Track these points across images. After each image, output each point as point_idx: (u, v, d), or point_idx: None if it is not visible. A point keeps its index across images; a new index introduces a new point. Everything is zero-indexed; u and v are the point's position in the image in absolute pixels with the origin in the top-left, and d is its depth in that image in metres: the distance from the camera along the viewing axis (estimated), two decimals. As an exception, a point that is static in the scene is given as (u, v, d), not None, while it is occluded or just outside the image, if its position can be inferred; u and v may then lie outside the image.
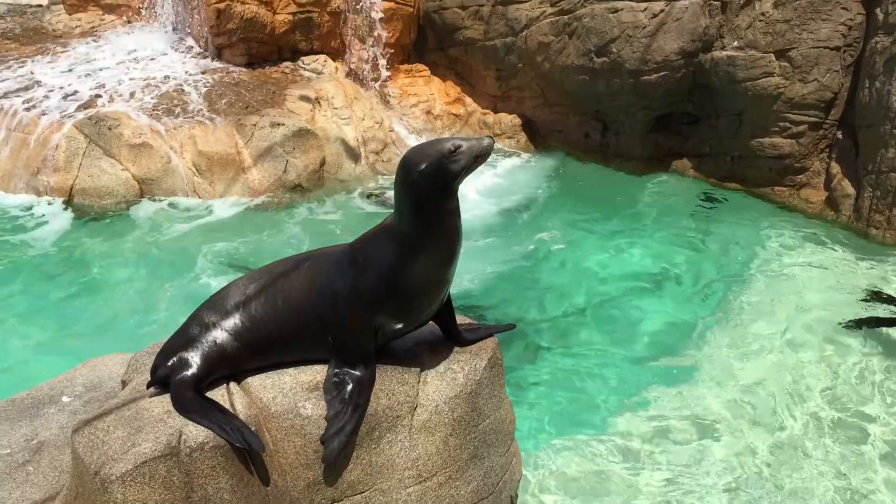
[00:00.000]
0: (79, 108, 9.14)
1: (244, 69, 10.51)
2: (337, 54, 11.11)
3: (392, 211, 3.02)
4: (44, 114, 9.03)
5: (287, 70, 10.72)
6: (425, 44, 11.66)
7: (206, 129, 9.10)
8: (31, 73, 9.99)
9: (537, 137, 11.08)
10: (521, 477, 3.59)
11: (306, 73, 10.71)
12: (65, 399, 3.56)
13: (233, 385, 3.01)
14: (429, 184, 2.88)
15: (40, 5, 12.96)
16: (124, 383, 3.32)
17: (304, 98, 9.87)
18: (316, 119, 9.71)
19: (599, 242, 8.44)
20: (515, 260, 8.02)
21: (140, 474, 2.68)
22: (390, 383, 3.06)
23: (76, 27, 11.41)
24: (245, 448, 2.78)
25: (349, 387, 2.94)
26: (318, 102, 9.92)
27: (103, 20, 11.49)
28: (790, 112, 9.17)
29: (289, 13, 10.55)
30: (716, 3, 9.38)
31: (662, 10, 9.41)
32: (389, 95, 11.02)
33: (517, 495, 3.56)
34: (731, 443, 5.38)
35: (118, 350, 4.07)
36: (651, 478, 5.02)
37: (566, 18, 10.05)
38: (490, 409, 3.28)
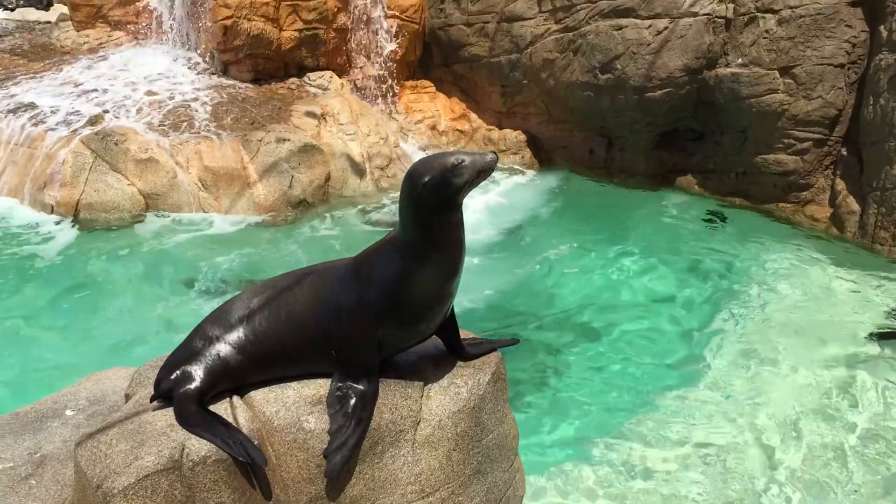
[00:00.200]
0: (86, 124, 9.20)
1: (250, 85, 10.57)
2: (343, 70, 11.17)
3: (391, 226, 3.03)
4: (51, 129, 9.09)
5: (293, 86, 10.78)
6: (431, 60, 11.73)
7: (211, 145, 9.14)
8: (39, 88, 10.05)
9: (542, 153, 11.10)
10: (525, 493, 3.57)
11: (312, 89, 10.76)
12: (68, 413, 3.55)
13: (236, 398, 3.01)
14: (432, 196, 2.89)
15: (49, 22, 13.09)
16: (128, 397, 3.32)
17: (310, 114, 9.92)
18: (321, 135, 9.75)
19: (603, 259, 8.43)
20: (519, 275, 8.02)
21: (142, 488, 2.67)
22: (393, 397, 3.05)
23: (84, 43, 11.50)
24: (248, 462, 2.77)
25: (352, 401, 2.93)
26: (324, 118, 9.96)
27: (111, 37, 11.57)
28: (794, 129, 9.18)
29: (295, 30, 10.63)
30: (720, 20, 9.42)
31: (666, 28, 9.45)
32: (395, 111, 11.07)
33: (521, 511, 3.54)
34: (735, 460, 5.34)
35: (122, 364, 4.07)
36: (656, 495, 4.98)
37: (571, 35, 10.10)
38: (493, 424, 3.27)
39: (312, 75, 10.93)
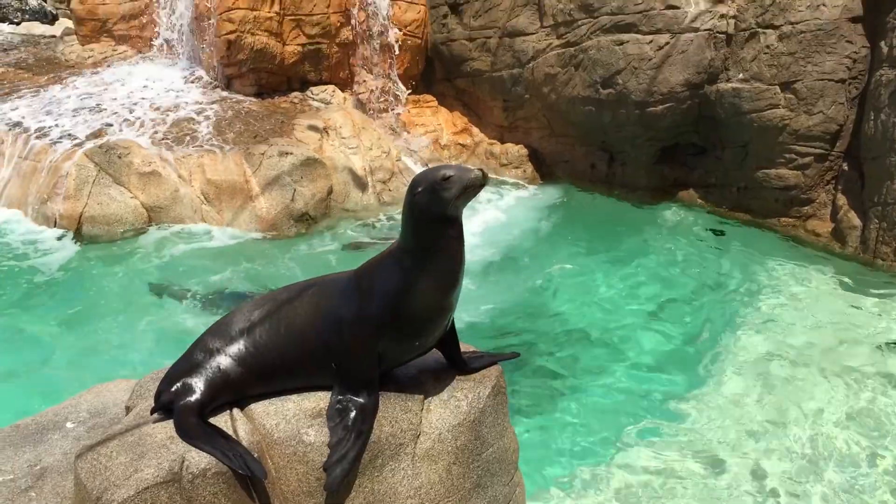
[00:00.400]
0: (89, 137, 9.24)
1: (253, 99, 10.62)
2: (345, 85, 11.23)
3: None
4: (54, 142, 9.13)
5: (296, 100, 10.83)
6: (433, 75, 11.78)
7: (214, 158, 9.18)
8: (43, 102, 10.11)
9: (543, 168, 11.13)
10: (525, 507, 3.56)
11: (315, 103, 10.81)
12: (69, 425, 3.55)
13: (236, 411, 3.01)
14: (425, 208, 2.93)
15: (54, 36, 13.17)
16: (128, 409, 3.32)
17: (313, 128, 9.96)
18: (324, 148, 9.79)
19: (605, 273, 8.43)
20: (520, 289, 8.02)
21: (142, 500, 2.67)
22: (393, 410, 3.05)
23: (89, 57, 11.57)
24: (247, 475, 2.77)
25: (352, 414, 2.93)
26: (327, 132, 10.01)
27: (115, 51, 11.64)
28: (796, 144, 9.20)
29: (298, 44, 10.69)
30: (721, 35, 9.47)
31: (668, 43, 9.50)
32: (397, 125, 11.12)
33: (521, 526, 3.53)
34: (738, 475, 5.32)
35: (123, 376, 4.08)
36: (657, 510, 4.97)
37: (572, 50, 10.15)
38: (494, 437, 3.27)
39: (315, 89, 10.99)
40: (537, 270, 8.44)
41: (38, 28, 14.02)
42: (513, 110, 11.13)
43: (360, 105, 11.10)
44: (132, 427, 2.98)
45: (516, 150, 11.14)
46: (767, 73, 9.17)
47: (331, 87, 11.04)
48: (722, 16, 9.45)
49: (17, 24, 14.31)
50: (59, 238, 8.49)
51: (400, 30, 11.14)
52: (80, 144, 9.07)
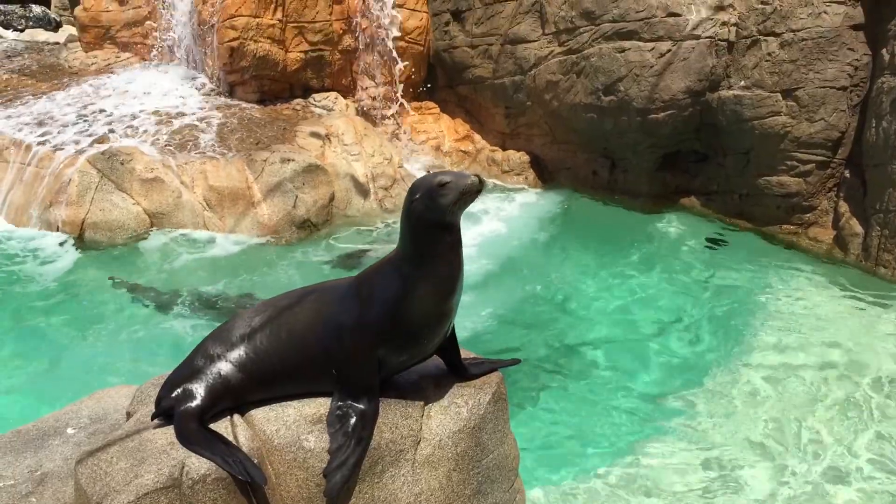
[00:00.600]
0: (92, 143, 9.27)
1: (256, 106, 10.65)
2: (347, 92, 11.26)
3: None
4: (57, 149, 9.16)
5: (298, 107, 10.86)
6: (435, 82, 11.81)
7: (217, 164, 9.20)
8: (47, 108, 10.15)
9: (545, 174, 11.14)
10: (526, 514, 3.56)
11: (317, 110, 10.84)
12: (70, 431, 3.56)
13: (236, 417, 3.01)
14: (423, 214, 2.94)
15: (57, 43, 13.21)
16: (129, 415, 3.32)
17: (315, 134, 9.98)
18: (326, 155, 9.81)
19: (606, 280, 8.43)
20: (521, 295, 8.01)
21: (142, 506, 2.67)
22: (394, 417, 3.05)
23: (92, 64, 11.61)
24: (247, 480, 2.77)
25: (353, 420, 2.94)
26: (329, 139, 10.03)
27: (119, 57, 11.68)
28: (797, 151, 9.20)
29: (301, 51, 10.73)
30: (722, 43, 9.48)
31: (669, 50, 9.51)
32: (399, 132, 11.14)
33: (521, 533, 3.52)
34: (739, 481, 5.31)
35: (124, 382, 4.08)
36: (658, 517, 4.96)
37: (574, 58, 10.17)
38: (494, 444, 3.26)
39: (317, 96, 11.02)
40: (538, 277, 8.44)
41: (41, 35, 14.07)
42: (514, 117, 11.15)
43: (363, 112, 11.12)
44: (132, 432, 2.98)
45: (518, 157, 11.16)
46: (769, 81, 9.18)
47: (333, 94, 11.07)
48: (723, 23, 9.47)
49: (21, 30, 14.36)
50: (62, 244, 8.50)
51: (402, 37, 11.17)
52: (82, 151, 9.09)
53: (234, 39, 10.26)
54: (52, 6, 15.30)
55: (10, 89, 10.93)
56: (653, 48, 9.58)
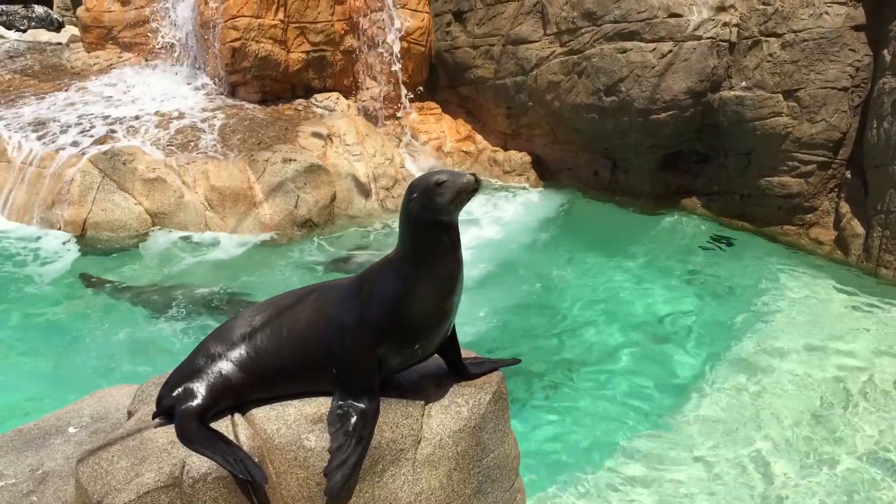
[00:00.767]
0: (94, 143, 9.28)
1: (258, 106, 10.67)
2: (349, 92, 11.27)
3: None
4: (60, 148, 9.18)
5: (300, 107, 10.87)
6: (437, 82, 11.82)
7: (218, 165, 9.21)
8: (49, 108, 10.16)
9: (547, 175, 11.15)
10: (526, 513, 3.56)
11: (319, 111, 10.85)
12: (71, 430, 3.56)
13: (237, 416, 3.02)
14: (420, 213, 2.95)
15: (59, 43, 13.23)
16: (130, 414, 3.33)
17: (317, 134, 9.99)
18: (327, 155, 9.82)
19: (607, 281, 8.43)
20: (522, 296, 8.02)
21: (143, 505, 2.68)
22: (394, 416, 3.05)
23: (94, 65, 11.62)
24: (248, 479, 2.78)
25: (353, 419, 2.94)
26: (330, 139, 10.04)
27: (121, 58, 11.69)
28: (799, 151, 9.20)
29: (302, 52, 10.74)
30: (723, 43, 9.48)
31: (671, 51, 9.52)
32: (401, 132, 11.15)
33: (521, 532, 3.53)
34: (740, 481, 5.31)
35: (125, 382, 4.09)
36: (659, 517, 4.96)
37: (575, 58, 10.17)
38: (494, 443, 3.27)
39: (319, 96, 11.03)
40: (539, 277, 8.45)
41: (43, 35, 14.08)
42: (516, 118, 11.16)
43: (364, 112, 11.13)
44: (133, 431, 2.99)
45: (519, 158, 11.16)
46: (770, 81, 9.18)
47: (335, 95, 11.08)
48: (725, 24, 9.47)
49: (24, 31, 14.38)
50: (64, 243, 8.52)
51: (404, 37, 11.18)
52: (84, 151, 9.11)
53: (235, 40, 10.27)
54: (55, 6, 15.32)
55: (12, 90, 10.95)
56: (654, 49, 9.58)
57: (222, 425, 2.97)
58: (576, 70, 10.20)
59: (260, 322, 3.11)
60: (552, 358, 6.88)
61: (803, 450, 5.63)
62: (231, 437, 2.91)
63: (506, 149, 11.35)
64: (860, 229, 8.81)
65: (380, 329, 2.98)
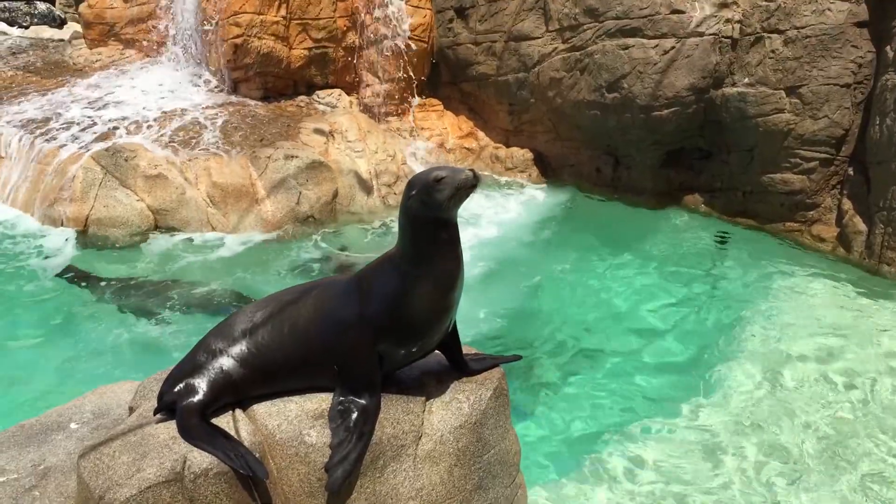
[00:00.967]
0: (96, 140, 9.29)
1: (260, 103, 10.67)
2: (351, 88, 11.27)
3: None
4: (62, 145, 9.19)
5: (302, 104, 10.87)
6: (439, 79, 11.81)
7: (220, 161, 9.21)
8: (51, 105, 10.17)
9: (549, 171, 11.14)
10: (527, 509, 3.57)
11: (321, 107, 10.85)
12: (73, 425, 3.58)
13: (238, 412, 3.03)
14: (420, 209, 2.95)
15: (62, 40, 13.24)
16: (132, 410, 3.34)
17: (319, 131, 9.99)
18: (329, 152, 9.82)
19: (609, 278, 8.43)
20: (524, 292, 8.02)
21: (144, 500, 2.69)
22: (395, 412, 3.06)
23: (96, 61, 11.63)
24: (249, 475, 2.79)
25: (354, 415, 2.95)
26: (332, 135, 10.03)
27: (123, 54, 11.70)
28: (801, 148, 9.19)
29: (304, 48, 10.73)
30: (726, 40, 9.46)
31: (673, 47, 9.50)
32: (403, 129, 11.15)
33: (522, 528, 3.53)
34: (741, 477, 5.31)
35: (127, 378, 4.10)
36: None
37: (578, 55, 10.16)
38: (495, 439, 3.28)
39: (321, 93, 11.03)
40: (540, 274, 8.44)
41: (46, 32, 14.10)
42: (518, 114, 11.15)
43: (366, 109, 11.13)
44: (135, 427, 3.00)
45: (521, 154, 11.15)
46: (773, 78, 9.16)
47: (337, 91, 11.08)
48: (727, 20, 9.45)
49: (26, 27, 14.39)
50: (66, 240, 8.53)
51: (406, 34, 11.16)
52: (86, 147, 9.11)
53: (238, 36, 10.27)
54: (57, 3, 15.32)
55: (14, 86, 10.96)
56: (656, 45, 9.57)
57: (223, 421, 2.98)
58: (578, 67, 10.18)
59: (261, 318, 3.11)
60: (553, 353, 6.88)
61: (804, 448, 5.63)
62: (232, 432, 2.92)
63: (508, 145, 11.34)
64: (862, 226, 8.80)
65: (379, 326, 2.99)
